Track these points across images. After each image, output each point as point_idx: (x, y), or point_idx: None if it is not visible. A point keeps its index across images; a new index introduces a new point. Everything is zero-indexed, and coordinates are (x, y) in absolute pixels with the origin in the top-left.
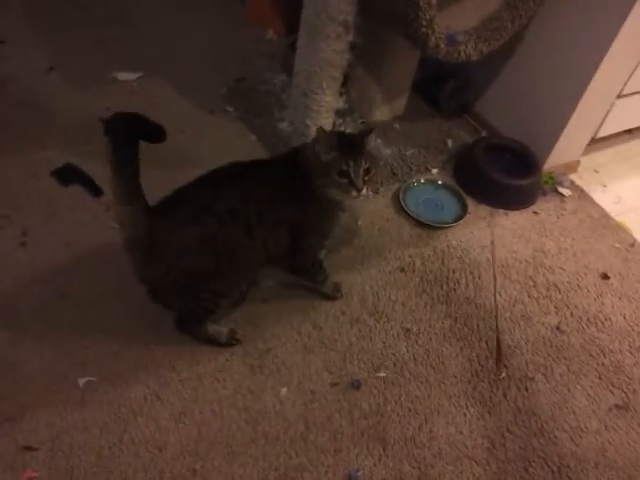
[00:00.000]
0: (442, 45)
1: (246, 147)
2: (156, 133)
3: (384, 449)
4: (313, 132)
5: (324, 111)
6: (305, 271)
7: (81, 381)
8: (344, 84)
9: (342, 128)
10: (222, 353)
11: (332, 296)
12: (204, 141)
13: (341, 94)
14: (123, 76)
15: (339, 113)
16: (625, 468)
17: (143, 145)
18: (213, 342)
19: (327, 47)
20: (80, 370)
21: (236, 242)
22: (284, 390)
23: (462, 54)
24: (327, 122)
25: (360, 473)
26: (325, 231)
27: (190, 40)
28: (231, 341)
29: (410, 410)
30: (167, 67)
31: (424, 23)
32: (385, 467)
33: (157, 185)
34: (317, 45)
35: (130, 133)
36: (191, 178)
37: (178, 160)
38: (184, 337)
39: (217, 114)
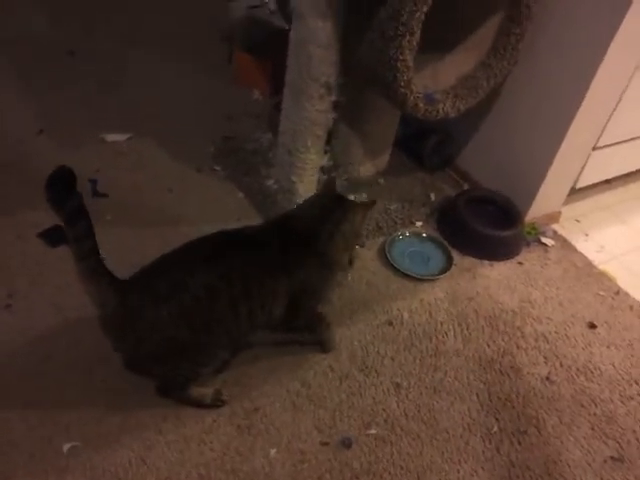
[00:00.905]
0: (421, 104)
1: (234, 205)
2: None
3: None
4: (299, 189)
5: (309, 168)
6: (305, 328)
7: (65, 446)
8: (328, 142)
9: None
10: (209, 414)
11: (328, 346)
12: (192, 199)
13: (326, 152)
14: (112, 137)
15: (324, 170)
16: None
17: (131, 204)
18: (198, 404)
19: (311, 107)
20: (65, 435)
21: (215, 317)
22: (273, 451)
23: (440, 112)
24: (312, 179)
25: None
26: (326, 293)
27: (178, 100)
28: (216, 402)
29: (402, 468)
30: (156, 127)
31: (402, 84)
32: None
33: (146, 245)
34: (301, 105)
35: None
36: (180, 237)
37: (166, 219)
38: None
39: (205, 173)
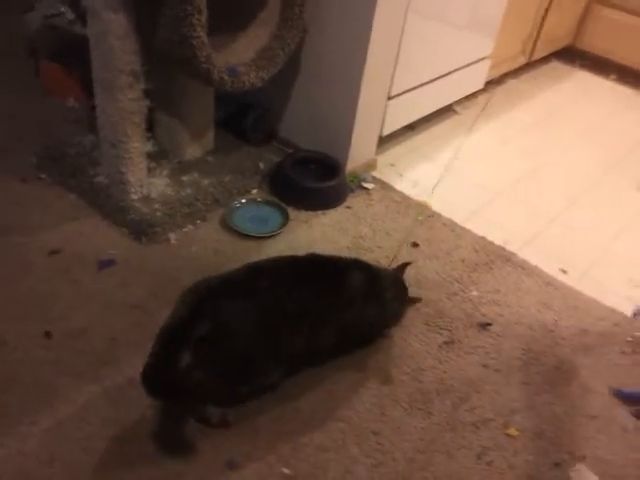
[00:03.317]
0: (226, 77)
1: (67, 206)
2: None
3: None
4: (130, 179)
5: (135, 157)
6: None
7: None
8: (150, 129)
9: (159, 170)
10: (81, 395)
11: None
12: (21, 209)
13: (148, 138)
14: None
15: (152, 157)
16: (460, 388)
17: None
18: (205, 422)
19: (123, 97)
20: None
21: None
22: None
23: (247, 83)
24: (141, 167)
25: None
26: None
27: None
28: (222, 422)
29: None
30: None
31: (203, 60)
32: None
33: None
34: (113, 97)
35: None
36: (15, 246)
37: None
38: (38, 391)
39: (31, 182)
